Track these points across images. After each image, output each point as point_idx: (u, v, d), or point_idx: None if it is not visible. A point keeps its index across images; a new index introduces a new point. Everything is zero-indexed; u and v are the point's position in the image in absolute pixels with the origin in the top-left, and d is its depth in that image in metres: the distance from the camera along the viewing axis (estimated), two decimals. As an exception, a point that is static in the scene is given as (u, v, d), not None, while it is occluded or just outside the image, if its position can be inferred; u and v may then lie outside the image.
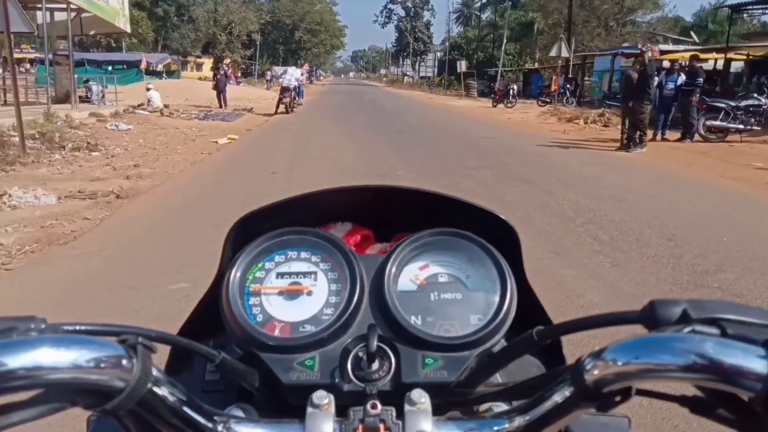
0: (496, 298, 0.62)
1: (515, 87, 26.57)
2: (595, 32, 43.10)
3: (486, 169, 8.70)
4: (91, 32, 17.85)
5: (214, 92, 20.82)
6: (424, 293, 0.63)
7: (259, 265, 0.64)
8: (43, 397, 0.39)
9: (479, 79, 57.72)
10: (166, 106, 18.22)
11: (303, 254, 0.66)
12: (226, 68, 21.60)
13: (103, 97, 17.51)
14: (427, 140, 12.70)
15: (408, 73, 74.44)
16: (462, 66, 39.39)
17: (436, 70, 71.19)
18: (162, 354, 0.55)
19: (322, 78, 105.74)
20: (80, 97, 17.43)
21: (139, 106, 17.34)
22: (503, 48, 41.99)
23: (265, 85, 42.71)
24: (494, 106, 26.35)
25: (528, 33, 55.36)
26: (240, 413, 0.54)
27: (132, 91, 20.90)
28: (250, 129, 14.78)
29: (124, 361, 0.40)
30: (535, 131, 15.32)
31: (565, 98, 24.24)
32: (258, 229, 0.67)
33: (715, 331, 0.39)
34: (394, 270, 0.63)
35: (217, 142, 12.00)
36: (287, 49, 74.23)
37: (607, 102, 23.57)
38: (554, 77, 24.82)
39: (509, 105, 25.50)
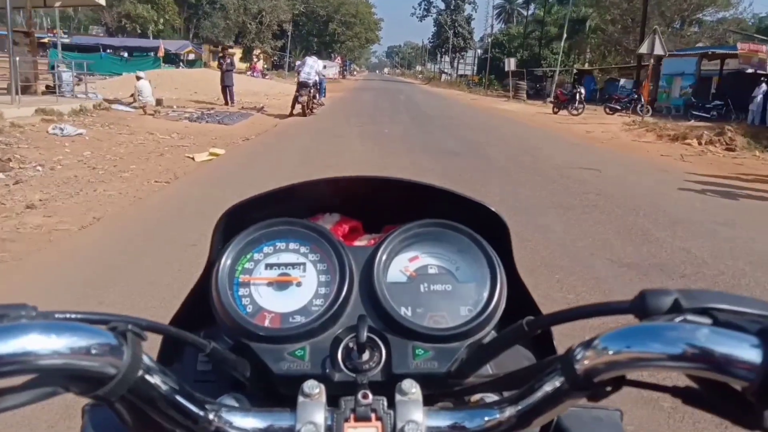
0: (486, 290, 0.62)
1: (582, 90, 22.50)
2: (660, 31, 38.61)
3: (654, 273, 4.17)
4: (57, 4, 14.41)
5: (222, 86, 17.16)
6: (413, 284, 0.63)
7: (248, 255, 0.64)
8: (34, 383, 0.39)
9: (524, 80, 54.12)
10: (159, 101, 14.71)
11: (292, 245, 0.65)
12: (231, 57, 17.80)
13: (75, 86, 13.91)
14: (499, 172, 8.37)
15: (446, 70, 69.93)
16: (511, 64, 35.17)
17: (475, 68, 66.81)
18: (154, 345, 0.57)
19: (355, 73, 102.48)
20: (47, 86, 13.96)
21: (116, 101, 13.81)
22: (562, 45, 37.39)
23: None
24: (555, 113, 22.43)
25: (579, 31, 50.78)
26: (232, 402, 0.54)
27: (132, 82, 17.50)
28: (248, 138, 11.14)
29: (115, 348, 0.41)
30: (641, 155, 11.24)
31: (639, 106, 19.93)
32: (246, 220, 0.66)
33: (707, 320, 0.38)
34: (383, 261, 0.63)
35: (193, 158, 8.41)
36: (321, 41, 71.04)
37: (694, 113, 19.36)
38: (644, 82, 20.35)
39: (575, 112, 21.53)
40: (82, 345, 0.39)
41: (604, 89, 38.12)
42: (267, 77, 35.62)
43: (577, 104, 21.88)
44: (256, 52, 54.42)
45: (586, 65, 50.31)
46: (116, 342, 0.41)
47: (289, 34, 55.82)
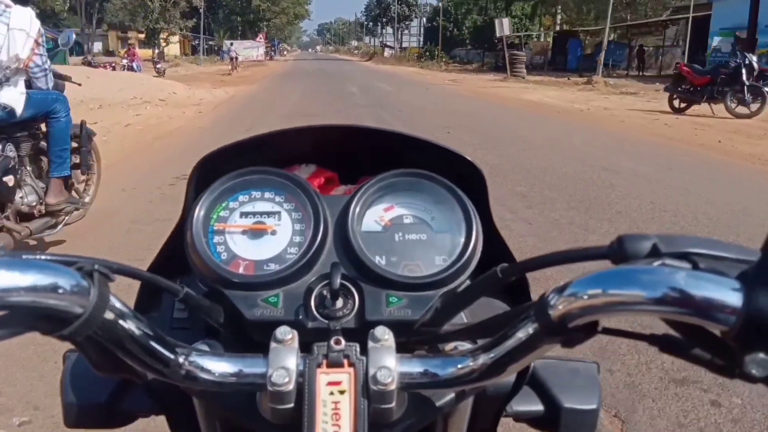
0: (462, 239, 0.62)
1: (754, 60, 11.80)
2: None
3: None
4: None
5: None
6: (388, 234, 0.63)
7: (223, 204, 0.64)
8: (1, 321, 0.39)
9: (484, 51, 46.80)
10: None
11: (267, 194, 0.65)
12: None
13: None
14: None
15: (388, 43, 61.48)
16: (504, 26, 25.78)
17: (421, 38, 58.80)
18: (131, 294, 0.60)
19: (286, 53, 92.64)
20: None
21: None
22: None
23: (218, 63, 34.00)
24: (677, 109, 12.37)
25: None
26: (206, 348, 0.54)
27: None
28: None
29: (81, 287, 0.41)
30: None
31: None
32: (221, 170, 0.66)
33: (686, 265, 0.37)
34: (358, 210, 0.63)
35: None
36: (245, 20, 61.43)
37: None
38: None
39: (744, 110, 11.24)
40: (48, 283, 0.39)
41: (592, 55, 31.12)
42: (159, 68, 26.12)
43: (746, 93, 11.04)
44: (164, 35, 45.00)
45: (562, 27, 43.20)
46: (83, 281, 0.41)
47: (202, 11, 46.23)
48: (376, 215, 0.65)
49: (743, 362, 0.34)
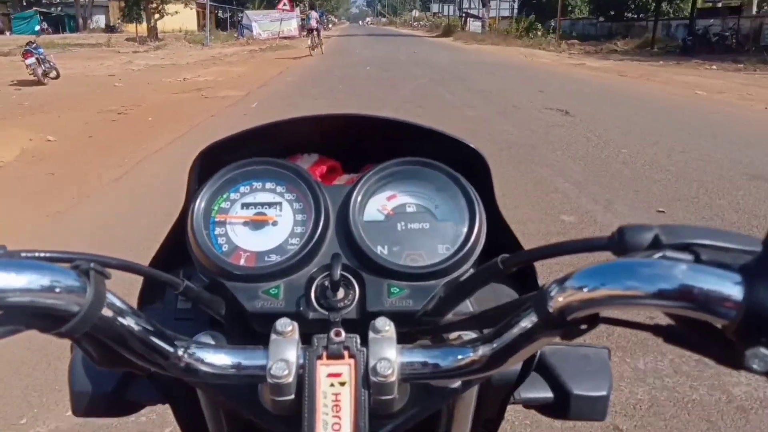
0: (465, 228, 0.61)
1: None
2: None
3: None
4: None
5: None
6: (390, 223, 0.63)
7: (224, 195, 0.64)
8: None
9: (612, 22, 31.30)
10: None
11: (268, 185, 0.65)
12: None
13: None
14: None
15: (472, 11, 44.93)
16: None
17: (515, 6, 42.77)
18: (135, 286, 0.61)
19: (331, 26, 77.88)
20: None
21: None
22: None
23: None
24: None
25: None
26: (209, 340, 0.55)
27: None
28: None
29: (77, 286, 0.41)
30: None
31: None
32: (222, 160, 0.66)
33: (687, 257, 0.37)
34: (359, 200, 0.63)
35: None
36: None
37: None
38: None
39: None
40: (45, 283, 0.39)
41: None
42: (37, 69, 12.71)
43: None
44: (154, 4, 31.22)
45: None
46: (79, 280, 0.41)
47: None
48: (379, 204, 0.63)
49: (744, 356, 0.34)
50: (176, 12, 33.78)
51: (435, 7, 70.73)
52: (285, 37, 35.66)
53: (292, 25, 36.93)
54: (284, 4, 26.45)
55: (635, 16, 37.11)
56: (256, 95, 10.75)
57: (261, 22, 34.88)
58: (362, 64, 17.19)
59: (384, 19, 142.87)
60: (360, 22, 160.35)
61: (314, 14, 22.40)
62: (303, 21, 33.91)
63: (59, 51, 24.98)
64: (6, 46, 22.96)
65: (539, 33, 32.51)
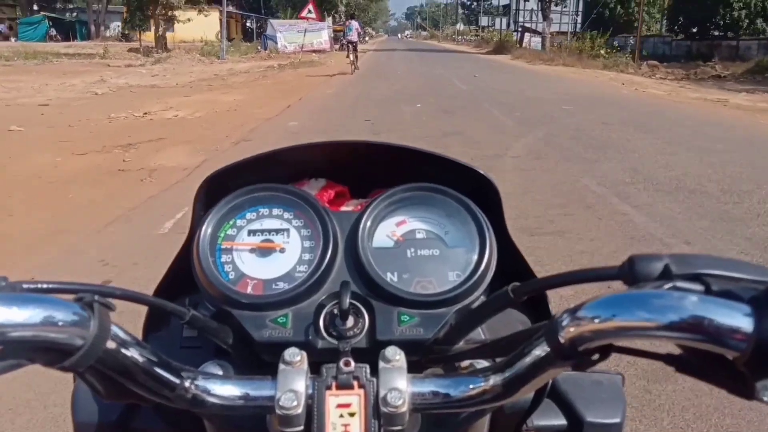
0: (475, 255, 0.60)
1: None
2: None
3: None
4: None
5: None
6: (400, 250, 0.62)
7: (231, 222, 0.63)
8: (0, 355, 0.38)
9: (693, 39, 25.13)
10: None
11: (275, 211, 0.64)
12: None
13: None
14: None
15: (530, 25, 38.99)
16: None
17: (579, 19, 37.13)
18: (140, 314, 0.59)
19: (368, 39, 73.31)
20: None
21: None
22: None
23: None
24: None
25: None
26: (216, 369, 0.55)
27: None
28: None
29: (81, 320, 0.40)
30: None
31: None
32: (228, 187, 0.65)
33: (698, 287, 0.36)
34: (368, 226, 0.62)
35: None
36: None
37: None
38: None
39: None
40: (47, 317, 0.38)
41: None
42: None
43: None
44: (161, 11, 26.62)
45: None
46: (82, 313, 0.40)
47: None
48: (388, 230, 0.63)
49: (755, 388, 0.34)
50: (188, 20, 29.15)
51: (484, 21, 64.63)
52: (314, 51, 30.91)
53: (322, 37, 32.07)
54: (309, 11, 21.31)
55: (721, 34, 31.24)
56: (214, 165, 5.57)
57: (287, 33, 30.06)
58: (407, 95, 11.98)
59: (424, 33, 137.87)
60: (399, 35, 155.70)
61: (355, 24, 18.24)
62: (339, 33, 28.90)
63: (38, 62, 20.65)
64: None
65: (614, 52, 26.93)
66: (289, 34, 30.40)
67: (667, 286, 0.37)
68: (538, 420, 0.63)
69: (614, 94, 13.60)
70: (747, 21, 30.65)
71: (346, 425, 0.46)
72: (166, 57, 23.46)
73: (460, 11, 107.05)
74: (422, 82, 15.56)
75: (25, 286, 0.41)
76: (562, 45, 28.77)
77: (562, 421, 0.64)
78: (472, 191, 0.65)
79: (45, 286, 0.42)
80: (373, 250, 0.60)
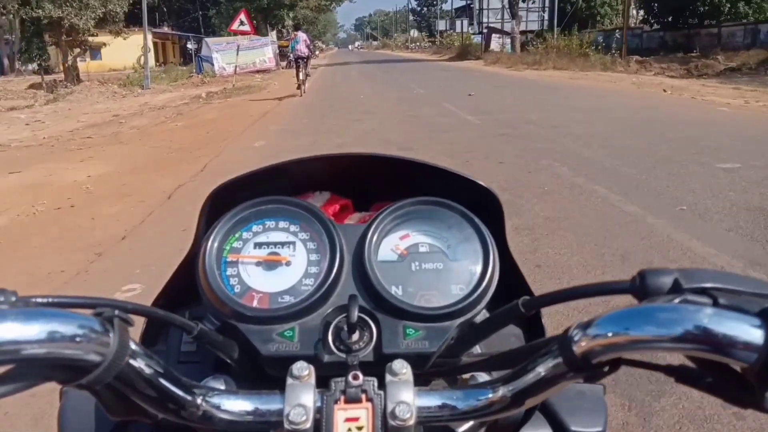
0: (479, 268, 0.61)
1: None
2: None
3: None
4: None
5: None
6: (404, 263, 0.62)
7: (236, 235, 0.63)
8: (14, 373, 0.37)
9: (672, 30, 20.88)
10: None
11: (281, 224, 0.64)
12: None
13: None
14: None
15: (496, 26, 34.78)
16: None
17: (546, 15, 33.60)
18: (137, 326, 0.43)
19: (318, 53, 69.07)
20: None
21: None
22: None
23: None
24: None
25: None
26: (219, 384, 0.54)
27: None
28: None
29: (101, 335, 0.39)
30: None
31: None
32: (234, 200, 0.65)
33: (707, 300, 0.38)
34: (374, 239, 0.62)
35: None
36: (256, 6, 38.30)
37: None
38: None
39: None
40: (65, 332, 0.37)
41: None
42: None
43: None
44: (64, 37, 21.26)
45: None
46: (102, 328, 0.39)
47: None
48: (392, 244, 0.63)
49: (764, 398, 0.35)
50: (104, 44, 24.53)
51: (441, 25, 60.56)
52: (258, 71, 26.58)
53: (265, 55, 27.73)
54: (241, 22, 16.87)
55: (695, 23, 28.22)
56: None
57: (225, 53, 25.62)
58: (387, 138, 7.75)
59: (375, 43, 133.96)
60: (350, 47, 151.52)
61: (302, 36, 15.32)
62: (285, 49, 24.33)
63: None
64: None
65: (600, 50, 23.41)
66: (228, 53, 26.01)
67: (677, 300, 0.38)
68: (525, 430, 0.63)
69: (682, 110, 9.71)
70: (728, 5, 27.72)
71: None
72: (67, 93, 18.82)
73: (411, 18, 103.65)
74: (401, 113, 10.74)
75: (38, 300, 0.39)
76: (539, 45, 24.97)
77: (548, 431, 0.64)
78: (473, 204, 0.65)
79: (58, 300, 0.40)
80: (379, 264, 0.60)
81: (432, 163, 0.69)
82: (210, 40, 27.76)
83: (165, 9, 48.57)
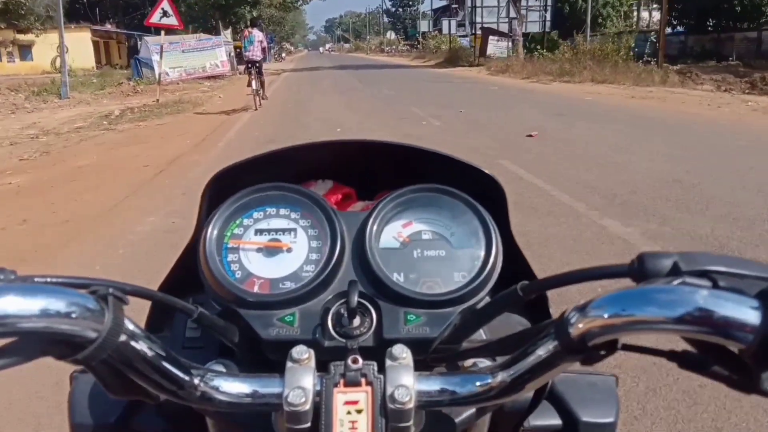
0: (481, 255, 0.61)
1: None
2: None
3: None
4: None
5: None
6: (406, 250, 0.62)
7: (237, 221, 0.63)
8: (13, 347, 0.38)
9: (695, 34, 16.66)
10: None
11: (282, 211, 0.64)
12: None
13: None
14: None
15: (488, 25, 30.18)
16: None
17: (549, 17, 29.39)
18: (143, 312, 0.59)
19: (285, 56, 63.97)
20: None
21: None
22: None
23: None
24: None
25: None
26: (220, 368, 0.55)
27: None
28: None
29: (95, 312, 0.40)
30: None
31: None
32: (235, 186, 0.65)
33: (706, 283, 0.38)
34: (375, 227, 0.62)
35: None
36: (213, 2, 33.29)
37: None
38: None
39: None
40: (61, 308, 0.38)
41: None
42: None
43: None
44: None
45: None
46: (97, 306, 0.40)
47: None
48: (395, 231, 0.63)
49: (760, 379, 0.35)
50: (12, 43, 19.29)
51: (424, 26, 55.36)
52: (208, 76, 21.66)
53: (217, 58, 22.74)
54: (163, 13, 11.93)
55: (726, 26, 24.38)
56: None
57: (169, 55, 20.45)
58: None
59: (347, 45, 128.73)
60: (320, 49, 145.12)
61: (258, 34, 12.01)
62: (241, 50, 19.50)
63: None
64: None
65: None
66: (173, 55, 21.05)
67: (676, 282, 0.38)
68: (535, 420, 0.64)
69: None
70: None
71: (353, 422, 0.46)
72: None
73: (386, 20, 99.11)
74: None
75: (36, 279, 0.40)
76: (562, 52, 20.57)
77: (557, 421, 0.65)
78: (476, 191, 0.65)
79: (55, 279, 0.41)
80: (380, 251, 0.60)
81: (434, 150, 0.69)
82: (150, 39, 22.47)
83: (109, 4, 42.96)
